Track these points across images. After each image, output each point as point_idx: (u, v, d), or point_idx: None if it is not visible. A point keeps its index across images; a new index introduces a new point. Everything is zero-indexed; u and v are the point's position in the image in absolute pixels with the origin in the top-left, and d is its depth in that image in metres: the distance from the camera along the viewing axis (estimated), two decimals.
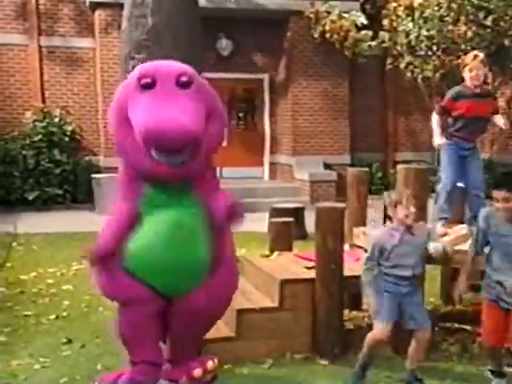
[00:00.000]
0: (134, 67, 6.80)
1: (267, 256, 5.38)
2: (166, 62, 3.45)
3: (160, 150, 3.20)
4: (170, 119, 3.11)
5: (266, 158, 14.13)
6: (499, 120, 4.88)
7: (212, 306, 3.58)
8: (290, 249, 5.58)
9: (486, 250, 3.69)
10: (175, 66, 3.41)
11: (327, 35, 12.50)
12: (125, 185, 3.50)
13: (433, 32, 11.01)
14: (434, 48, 11.34)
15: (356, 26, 12.27)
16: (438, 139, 4.82)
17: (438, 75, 11.51)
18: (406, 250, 3.75)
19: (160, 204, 3.41)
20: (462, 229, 4.74)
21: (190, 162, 3.30)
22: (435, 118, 4.96)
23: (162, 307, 3.55)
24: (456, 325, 4.93)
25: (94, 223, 10.88)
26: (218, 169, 3.91)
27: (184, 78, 3.29)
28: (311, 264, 4.64)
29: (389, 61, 12.31)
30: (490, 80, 11.15)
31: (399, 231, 3.75)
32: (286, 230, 5.67)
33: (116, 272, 3.46)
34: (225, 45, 13.22)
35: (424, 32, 11.08)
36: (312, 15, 12.65)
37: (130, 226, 3.42)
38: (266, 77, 13.87)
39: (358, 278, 3.92)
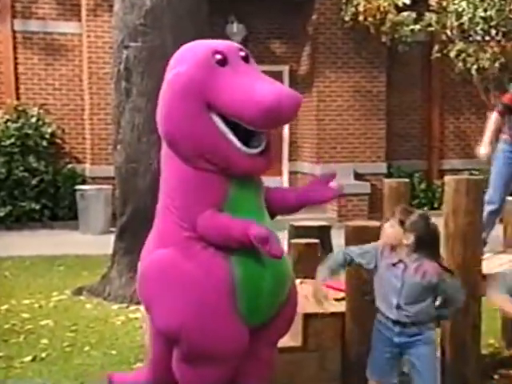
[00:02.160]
0: (127, 57, 7.03)
1: None
2: (206, 41, 3.47)
3: (271, 126, 3.27)
4: (283, 90, 3.20)
5: (285, 167, 14.16)
6: None
7: (289, 326, 3.66)
8: (314, 276, 5.57)
9: None
10: (219, 42, 3.47)
11: (360, 18, 12.51)
12: (203, 187, 3.29)
13: (491, 12, 10.99)
14: (493, 32, 11.31)
15: (396, 5, 12.27)
16: (485, 149, 4.77)
17: (496, 65, 11.49)
18: (387, 282, 3.68)
19: (245, 210, 3.33)
20: None
21: (267, 152, 3.39)
22: (494, 119, 4.92)
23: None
24: None
25: (77, 244, 10.99)
26: None
27: (243, 53, 3.38)
28: (341, 295, 4.64)
29: (436, 48, 12.30)
30: None
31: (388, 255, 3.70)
32: (311, 253, 5.66)
33: (228, 298, 3.30)
34: (236, 30, 13.29)
35: (480, 12, 11.07)
36: None
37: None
38: (285, 69, 13.92)
39: None
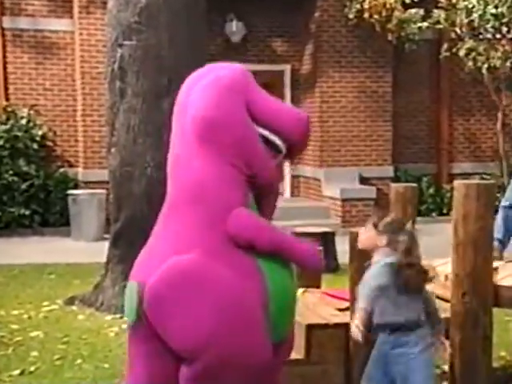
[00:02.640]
0: (122, 56, 7.03)
1: None
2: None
3: (304, 141, 3.58)
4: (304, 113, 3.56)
5: (287, 170, 14.17)
6: None
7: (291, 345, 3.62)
8: (317, 285, 5.58)
9: None
10: None
11: (365, 15, 12.54)
12: (236, 186, 3.29)
13: (502, 9, 11.01)
14: (504, 29, 11.32)
15: (403, 2, 12.30)
16: None
17: (508, 64, 11.49)
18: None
19: None
20: None
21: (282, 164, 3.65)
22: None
23: None
24: None
25: (69, 252, 10.95)
26: None
27: None
28: (345, 304, 4.63)
29: (445, 47, 12.34)
30: None
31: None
32: None
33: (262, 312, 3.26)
34: (235, 28, 13.32)
35: (491, 9, 11.08)
36: None
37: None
38: (287, 68, 13.94)
39: None
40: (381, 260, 3.65)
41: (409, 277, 3.57)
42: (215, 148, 3.25)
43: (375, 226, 3.72)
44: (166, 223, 3.36)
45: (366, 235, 3.77)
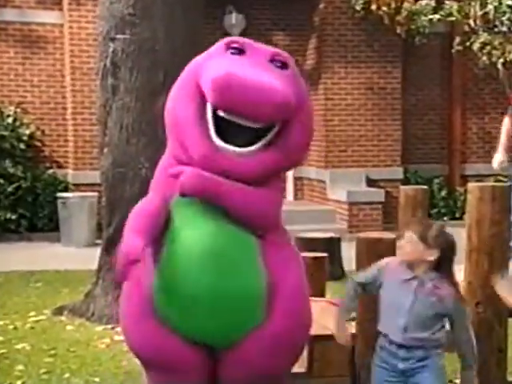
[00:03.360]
0: (114, 51, 7.04)
1: None
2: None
3: (233, 111, 3.34)
4: (258, 76, 3.35)
5: (289, 172, 14.16)
6: None
7: (270, 358, 3.57)
8: (321, 293, 5.58)
9: None
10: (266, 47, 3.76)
11: (373, 6, 12.54)
12: (162, 174, 3.61)
13: None
14: None
15: None
16: (501, 157, 4.77)
17: None
18: (396, 300, 3.66)
19: (198, 211, 3.45)
20: None
21: (263, 154, 3.44)
22: (508, 124, 4.93)
23: (207, 373, 3.59)
24: None
25: (59, 258, 10.95)
26: None
27: (279, 57, 3.60)
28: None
29: (457, 40, 12.32)
30: None
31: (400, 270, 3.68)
32: (318, 269, 5.66)
33: (146, 305, 3.51)
34: (235, 21, 13.35)
35: (507, 1, 11.08)
36: None
37: (161, 223, 3.47)
38: None
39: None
40: (426, 274, 3.61)
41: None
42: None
43: (422, 238, 3.61)
44: None
45: (412, 248, 3.62)
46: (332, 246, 8.77)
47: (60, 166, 12.93)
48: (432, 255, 3.59)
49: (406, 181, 12.97)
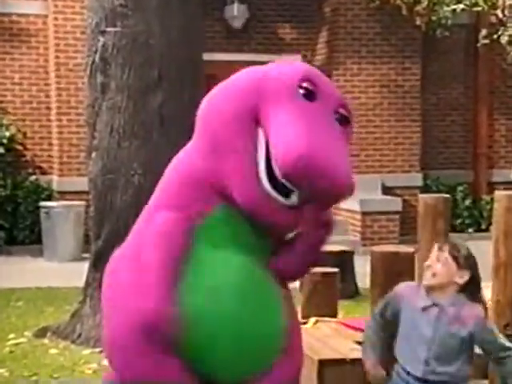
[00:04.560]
0: (104, 45, 7.06)
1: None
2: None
3: (299, 189, 3.26)
4: (337, 156, 3.35)
5: None
6: None
7: None
8: (333, 313, 5.58)
9: None
10: (335, 87, 3.57)
11: None
12: (189, 186, 3.36)
13: None
14: None
15: None
16: None
17: None
18: (415, 331, 3.62)
19: (229, 237, 3.37)
20: None
21: (303, 210, 3.39)
22: None
23: None
24: None
25: (41, 274, 10.89)
26: None
27: (344, 111, 3.44)
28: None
29: (483, 33, 12.33)
30: None
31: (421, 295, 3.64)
32: (328, 286, 5.66)
33: (166, 350, 3.29)
34: (237, 12, 13.36)
35: None
36: None
37: (183, 252, 3.27)
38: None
39: None
40: (447, 300, 3.59)
41: None
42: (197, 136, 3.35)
43: (455, 258, 3.58)
44: None
45: (445, 269, 3.58)
46: (344, 260, 8.76)
47: (43, 172, 12.95)
48: (462, 277, 3.57)
49: (425, 188, 12.98)
